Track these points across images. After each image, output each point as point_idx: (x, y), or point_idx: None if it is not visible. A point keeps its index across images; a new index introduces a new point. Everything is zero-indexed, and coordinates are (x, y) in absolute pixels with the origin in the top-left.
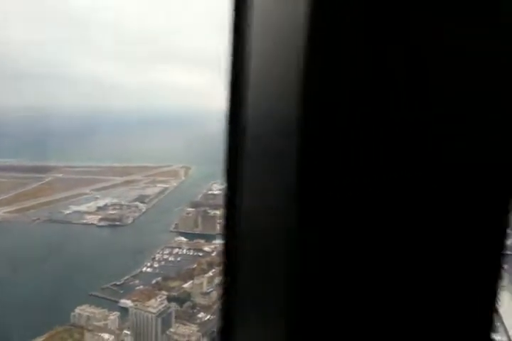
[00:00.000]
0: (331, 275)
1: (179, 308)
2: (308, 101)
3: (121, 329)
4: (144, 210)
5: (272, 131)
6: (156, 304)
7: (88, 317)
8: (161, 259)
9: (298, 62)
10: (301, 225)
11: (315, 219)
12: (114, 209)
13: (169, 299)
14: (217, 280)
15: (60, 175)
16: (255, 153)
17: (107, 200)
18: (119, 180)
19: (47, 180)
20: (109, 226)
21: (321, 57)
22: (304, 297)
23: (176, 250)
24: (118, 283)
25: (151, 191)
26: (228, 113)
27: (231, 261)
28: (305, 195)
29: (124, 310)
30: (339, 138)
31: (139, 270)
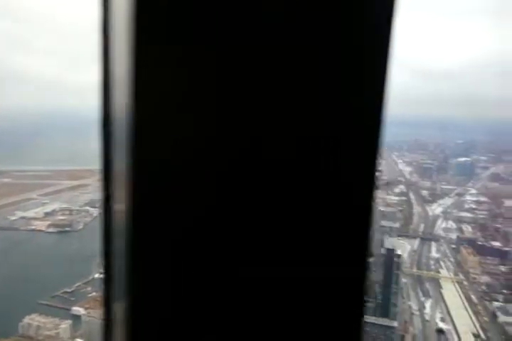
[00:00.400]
0: (171, 275)
1: None
2: (138, 99)
3: (73, 337)
4: (95, 215)
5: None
6: None
7: (38, 327)
8: None
9: (129, 62)
10: (136, 223)
11: (149, 217)
12: (64, 214)
13: None
14: None
15: (8, 180)
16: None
17: (56, 205)
18: (68, 184)
19: None
20: (59, 232)
21: (146, 58)
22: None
23: None
24: (69, 290)
25: None
26: (101, 114)
27: (106, 255)
28: (139, 194)
29: (77, 318)
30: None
31: (90, 277)
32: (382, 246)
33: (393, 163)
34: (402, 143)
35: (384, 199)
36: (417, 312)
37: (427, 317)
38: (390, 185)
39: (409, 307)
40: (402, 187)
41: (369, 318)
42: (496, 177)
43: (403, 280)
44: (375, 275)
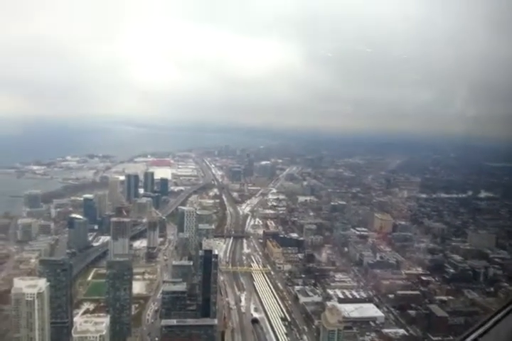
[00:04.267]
0: None
1: None
2: None
3: None
4: None
5: None
6: None
7: None
8: None
9: None
10: None
11: None
12: None
13: None
14: None
15: None
16: None
17: None
18: None
19: None
20: None
21: None
22: None
23: None
24: None
25: None
26: None
27: None
28: None
29: None
30: None
31: None
32: (200, 248)
33: (207, 168)
34: (214, 149)
35: (200, 203)
36: (234, 307)
37: (243, 310)
38: (205, 188)
39: (228, 303)
40: (215, 191)
41: (190, 321)
42: (290, 177)
43: (221, 278)
44: (196, 277)
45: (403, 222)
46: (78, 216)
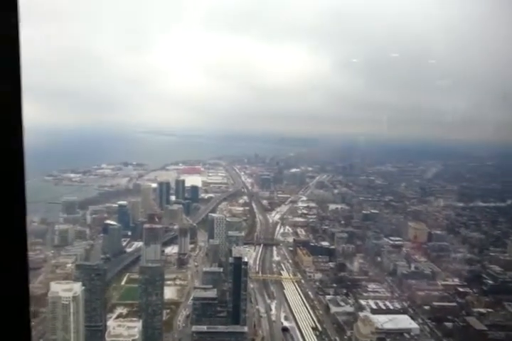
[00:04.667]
0: None
1: None
2: None
3: None
4: None
5: None
6: None
7: None
8: None
9: None
10: None
11: None
12: None
13: None
14: None
15: None
16: None
17: None
18: None
19: None
20: None
21: None
22: None
23: None
24: None
25: None
26: None
27: None
28: None
29: None
30: None
31: None
32: (230, 255)
33: (236, 176)
34: (244, 157)
35: (230, 210)
36: (265, 315)
37: (273, 318)
38: (235, 196)
39: (258, 310)
40: (245, 198)
41: (220, 327)
42: (321, 185)
43: (251, 285)
44: (226, 284)
45: (439, 232)
46: (112, 222)
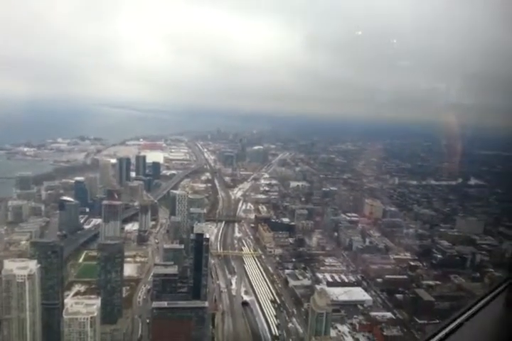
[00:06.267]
0: None
1: None
2: None
3: None
4: None
5: None
6: None
7: None
8: None
9: None
10: None
11: None
12: None
13: None
14: None
15: None
16: None
17: None
18: None
19: None
20: None
21: None
22: None
23: None
24: None
25: None
26: None
27: None
28: None
29: None
30: None
31: None
32: (191, 232)
33: (199, 152)
34: (207, 133)
35: (192, 187)
36: (225, 290)
37: (234, 293)
38: (197, 173)
39: (219, 285)
40: (207, 175)
41: (181, 303)
42: (283, 162)
43: (212, 261)
44: (187, 260)
45: (393, 208)
46: (69, 198)
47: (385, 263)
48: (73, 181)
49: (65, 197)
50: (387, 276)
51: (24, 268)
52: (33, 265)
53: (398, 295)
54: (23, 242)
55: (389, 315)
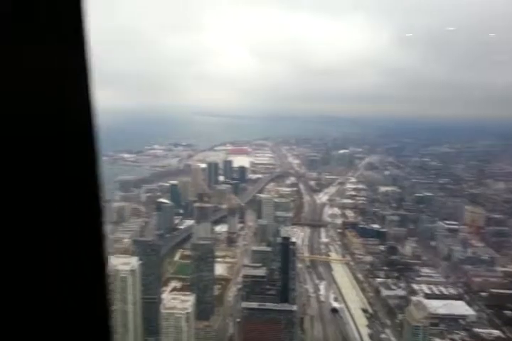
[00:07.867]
0: None
1: None
2: None
3: None
4: None
5: None
6: None
7: None
8: None
9: None
10: None
11: None
12: None
13: None
14: None
15: None
16: None
17: None
18: None
19: None
20: None
21: None
22: None
23: None
24: None
25: None
26: None
27: None
28: None
29: None
30: None
31: None
32: (278, 235)
33: (283, 156)
34: (291, 138)
35: (277, 191)
36: (313, 295)
37: (322, 298)
38: (282, 177)
39: (306, 290)
40: (292, 179)
41: (270, 305)
42: (370, 166)
43: (299, 265)
44: (274, 263)
45: (498, 216)
46: (165, 200)
47: (490, 276)
48: (168, 184)
49: (161, 200)
50: (493, 290)
51: (127, 264)
52: (134, 261)
53: (507, 312)
54: (126, 240)
55: (496, 332)
